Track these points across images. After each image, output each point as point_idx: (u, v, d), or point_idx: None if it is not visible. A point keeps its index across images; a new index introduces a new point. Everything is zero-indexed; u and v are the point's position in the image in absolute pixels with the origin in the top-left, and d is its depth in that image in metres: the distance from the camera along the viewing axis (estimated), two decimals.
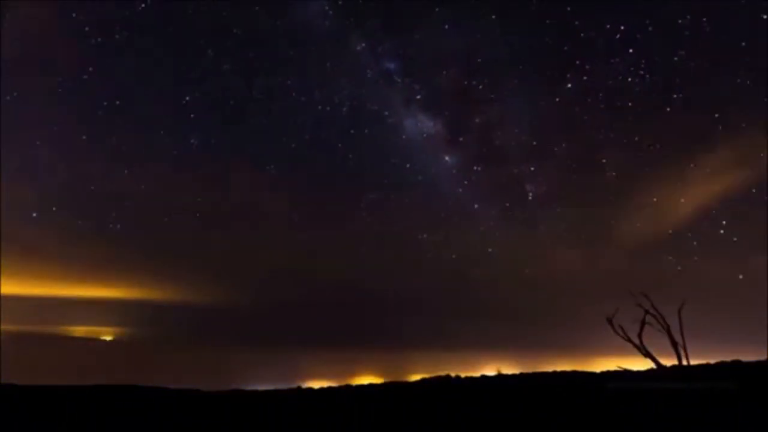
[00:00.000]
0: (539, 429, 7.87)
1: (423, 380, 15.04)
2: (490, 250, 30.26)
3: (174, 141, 31.69)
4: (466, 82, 29.22)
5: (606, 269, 28.44)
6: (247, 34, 30.15)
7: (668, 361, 13.41)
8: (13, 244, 27.07)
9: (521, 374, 14.69)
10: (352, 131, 31.59)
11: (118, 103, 29.76)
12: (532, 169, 29.23)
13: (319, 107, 31.22)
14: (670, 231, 25.35)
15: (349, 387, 14.37)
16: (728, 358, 12.49)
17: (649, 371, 13.33)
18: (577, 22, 23.97)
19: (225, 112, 31.96)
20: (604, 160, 26.15)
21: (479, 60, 28.36)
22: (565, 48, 24.90)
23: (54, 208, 29.12)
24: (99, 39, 28.32)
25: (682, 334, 13.35)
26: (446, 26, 27.56)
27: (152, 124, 31.43)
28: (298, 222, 32.19)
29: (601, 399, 8.97)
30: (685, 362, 13.22)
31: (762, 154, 22.43)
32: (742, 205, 23.26)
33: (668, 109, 23.58)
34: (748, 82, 21.85)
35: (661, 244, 26.00)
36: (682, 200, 24.49)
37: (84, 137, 29.51)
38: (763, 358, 12.57)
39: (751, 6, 20.79)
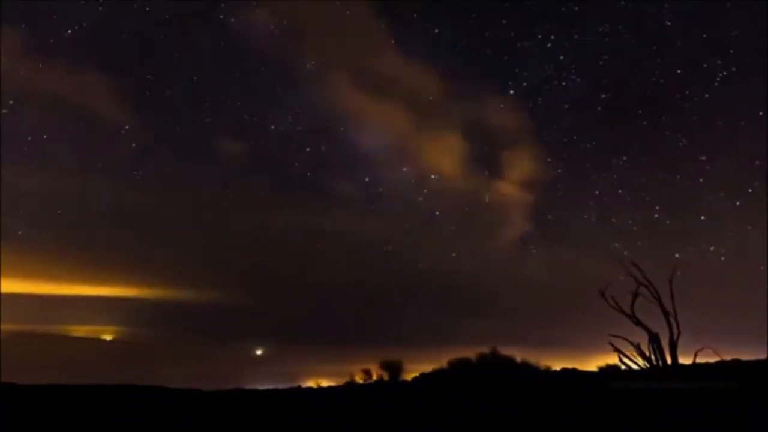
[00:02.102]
0: (539, 428, 7.88)
1: (422, 375, 15.05)
2: (453, 254, 31.33)
3: (116, 173, 30.37)
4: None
5: (566, 260, 30.06)
6: (189, 57, 29.77)
7: (660, 331, 13.54)
8: (14, 242, 27.12)
9: (521, 373, 14.72)
10: (308, 149, 31.34)
11: (45, 136, 28.23)
12: (486, 173, 30.70)
13: (272, 127, 30.97)
14: (614, 219, 27.96)
15: (349, 387, 14.39)
16: (728, 358, 12.52)
17: (650, 371, 13.34)
18: (512, 34, 27.04)
19: (171, 139, 30.85)
20: (549, 160, 28.62)
21: (427, 72, 30.12)
22: (505, 58, 27.79)
23: (54, 206, 29.10)
24: (23, 68, 26.98)
25: (673, 304, 13.54)
26: (393, 41, 29.20)
27: (89, 158, 29.85)
28: (262, 239, 32.05)
29: (601, 399, 8.97)
30: (676, 331, 13.33)
31: (682, 144, 25.90)
32: (671, 192, 26.70)
33: (599, 108, 26.77)
34: (662, 80, 25.47)
35: (608, 232, 28.49)
36: (620, 191, 27.31)
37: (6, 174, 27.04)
38: (763, 357, 12.59)
39: (657, 14, 24.79)
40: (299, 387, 15.72)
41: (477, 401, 9.85)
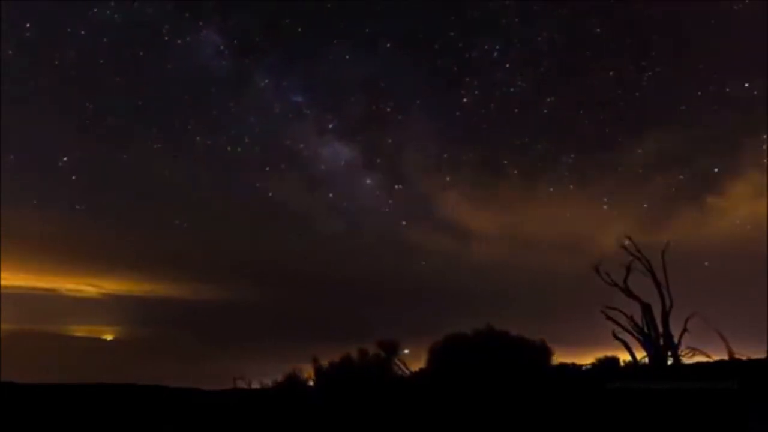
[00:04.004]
0: (539, 428, 7.89)
1: (421, 370, 15.06)
2: (423, 263, 31.71)
3: (56, 209, 29.09)
4: (374, 107, 30.82)
5: (533, 257, 31.05)
6: (131, 81, 28.53)
7: (652, 301, 13.84)
8: (14, 241, 27.10)
9: (520, 369, 14.70)
10: (267, 168, 30.46)
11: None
12: (448, 179, 31.10)
13: (229, 148, 30.00)
14: (568, 214, 29.81)
15: (348, 384, 14.40)
16: (728, 357, 12.62)
17: (650, 370, 13.38)
18: (460, 44, 28.55)
19: (116, 168, 29.42)
20: (505, 162, 30.20)
21: (382, 85, 30.83)
22: (455, 68, 29.18)
23: (55, 206, 29.01)
24: None
25: (665, 276, 13.91)
26: (347, 56, 29.51)
27: (23, 193, 28.08)
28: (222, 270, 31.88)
29: (601, 399, 8.99)
30: (668, 302, 13.64)
31: (620, 140, 28.50)
32: (617, 184, 28.89)
33: (545, 111, 28.61)
34: (596, 82, 28.25)
35: (563, 226, 30.06)
36: (571, 187, 29.29)
37: None
38: (763, 357, 12.62)
39: (587, 23, 27.12)
40: (299, 385, 15.68)
41: (476, 400, 9.84)
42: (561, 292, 27.52)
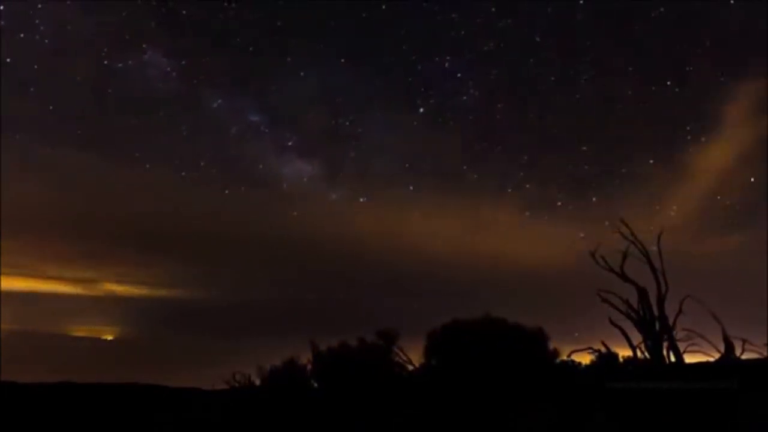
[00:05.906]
0: (537, 426, 7.89)
1: (422, 366, 15.07)
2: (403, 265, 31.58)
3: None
4: (333, 122, 31.24)
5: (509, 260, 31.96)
6: (72, 108, 27.70)
7: (648, 286, 13.90)
8: (14, 242, 27.12)
9: (518, 367, 14.70)
10: (227, 191, 29.73)
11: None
12: (411, 188, 31.75)
13: (183, 173, 29.38)
14: (528, 213, 31.25)
15: (347, 382, 14.43)
16: (722, 338, 12.68)
17: (649, 368, 13.37)
18: (414, 57, 29.80)
19: (69, 196, 29.22)
20: (465, 167, 31.49)
21: (339, 99, 31.51)
22: (410, 79, 30.34)
23: (55, 206, 29.02)
24: None
25: (661, 260, 14.07)
26: (302, 73, 29.77)
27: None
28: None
29: (601, 399, 8.99)
30: (664, 286, 13.74)
31: (566, 136, 29.86)
32: (571, 181, 30.50)
33: (498, 117, 30.32)
34: (542, 86, 29.83)
35: (526, 224, 31.01)
36: (527, 186, 30.68)
37: None
38: (762, 356, 12.61)
39: (528, 32, 28.92)
40: (297, 372, 15.61)
41: (474, 387, 9.85)
42: (556, 281, 28.03)
